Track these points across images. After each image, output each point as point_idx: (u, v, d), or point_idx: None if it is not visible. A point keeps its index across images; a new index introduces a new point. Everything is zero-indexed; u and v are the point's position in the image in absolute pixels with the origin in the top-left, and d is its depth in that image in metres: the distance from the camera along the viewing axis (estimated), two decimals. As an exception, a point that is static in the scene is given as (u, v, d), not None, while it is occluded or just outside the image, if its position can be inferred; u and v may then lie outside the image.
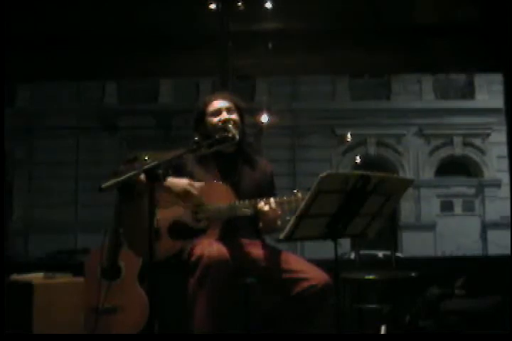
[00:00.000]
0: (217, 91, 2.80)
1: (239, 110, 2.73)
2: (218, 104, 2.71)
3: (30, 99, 16.17)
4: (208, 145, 2.56)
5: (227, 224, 2.58)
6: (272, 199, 2.49)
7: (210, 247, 2.39)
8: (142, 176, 2.49)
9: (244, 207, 2.53)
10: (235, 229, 2.62)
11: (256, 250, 2.60)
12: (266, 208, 2.48)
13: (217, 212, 2.55)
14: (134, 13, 5.17)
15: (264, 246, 2.67)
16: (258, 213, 2.51)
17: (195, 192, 2.54)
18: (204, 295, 2.35)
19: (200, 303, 2.36)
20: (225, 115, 2.67)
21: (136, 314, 3.50)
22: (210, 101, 2.73)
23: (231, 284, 2.43)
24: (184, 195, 2.54)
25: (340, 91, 16.81)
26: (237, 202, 2.55)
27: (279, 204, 2.48)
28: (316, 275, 2.47)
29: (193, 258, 2.38)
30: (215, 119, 2.67)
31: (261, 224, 2.62)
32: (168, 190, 2.53)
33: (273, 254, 2.58)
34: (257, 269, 2.55)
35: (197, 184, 2.56)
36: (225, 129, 2.64)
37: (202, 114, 2.71)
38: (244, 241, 2.64)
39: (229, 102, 2.72)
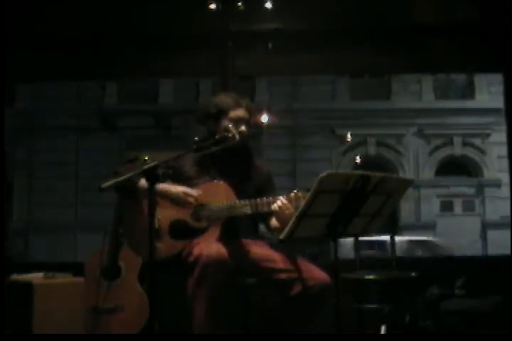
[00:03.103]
0: (240, 96, 2.81)
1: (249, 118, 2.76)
2: (243, 114, 2.72)
3: (30, 99, 16.15)
4: (208, 146, 2.56)
5: (228, 224, 2.58)
6: (280, 197, 2.47)
7: (208, 247, 2.39)
8: (142, 183, 2.52)
9: (244, 206, 2.52)
10: (235, 229, 2.62)
11: (256, 250, 2.60)
12: (279, 204, 2.44)
13: (219, 211, 2.55)
14: (134, 13, 5.17)
15: (264, 245, 2.67)
16: (275, 212, 2.47)
17: (190, 200, 2.55)
18: (203, 295, 2.35)
19: (199, 303, 2.36)
20: (241, 127, 2.68)
21: (136, 314, 3.50)
22: (237, 107, 2.72)
23: (230, 284, 2.44)
24: (179, 202, 2.55)
25: (340, 91, 16.79)
26: (237, 202, 2.55)
27: (288, 201, 2.45)
28: (316, 276, 2.47)
29: (192, 259, 2.38)
30: (231, 126, 2.67)
31: (277, 223, 2.59)
32: (163, 195, 2.54)
33: (273, 254, 2.58)
34: (257, 269, 2.55)
35: (193, 191, 2.57)
36: (226, 130, 2.65)
37: (222, 114, 2.71)
38: (244, 241, 2.64)
39: (248, 115, 2.74)
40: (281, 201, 2.44)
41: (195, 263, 2.36)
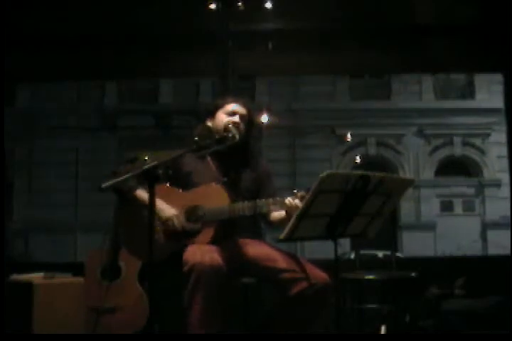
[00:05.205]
0: (231, 94, 2.89)
1: (250, 120, 2.82)
2: (237, 107, 2.79)
3: (30, 99, 16.15)
4: (207, 145, 2.56)
5: (224, 224, 2.57)
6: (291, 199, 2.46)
7: (202, 255, 2.38)
8: (140, 193, 2.55)
9: (244, 209, 2.52)
10: (232, 228, 2.62)
11: (254, 249, 2.59)
12: (292, 202, 2.45)
13: (216, 213, 2.55)
14: (134, 13, 5.17)
15: (264, 244, 2.67)
16: (289, 208, 2.46)
17: (177, 225, 2.57)
18: (199, 302, 2.35)
19: (195, 309, 2.36)
20: (236, 119, 2.75)
21: (136, 314, 3.50)
22: (231, 102, 2.82)
23: (229, 285, 2.43)
24: (166, 223, 2.57)
25: (340, 92, 16.79)
26: (237, 204, 2.54)
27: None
28: (315, 275, 2.47)
29: (186, 268, 2.37)
30: (227, 118, 2.74)
31: (277, 217, 2.62)
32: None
33: (272, 253, 2.57)
34: (256, 268, 2.54)
35: (183, 222, 2.58)
36: (225, 129, 2.66)
37: (217, 108, 2.79)
38: (242, 240, 2.63)
39: (246, 111, 2.80)
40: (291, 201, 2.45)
41: (190, 272, 2.36)
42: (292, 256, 2.58)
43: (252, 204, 2.50)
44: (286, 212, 2.49)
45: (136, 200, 2.59)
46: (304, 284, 2.44)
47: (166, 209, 2.59)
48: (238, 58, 5.25)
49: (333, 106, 16.42)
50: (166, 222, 2.58)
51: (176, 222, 2.58)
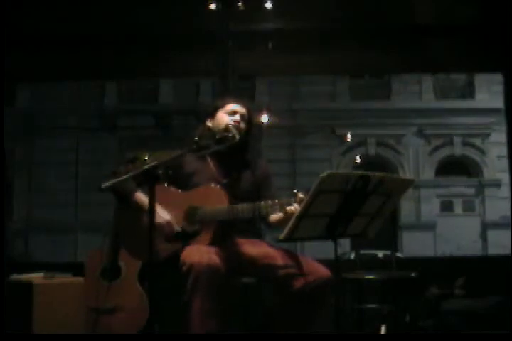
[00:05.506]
0: (230, 94, 2.89)
1: (250, 120, 2.82)
2: (237, 107, 2.80)
3: (30, 99, 16.16)
4: (207, 146, 2.57)
5: (223, 225, 2.57)
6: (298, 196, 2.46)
7: (200, 256, 2.38)
8: (139, 196, 2.57)
9: (245, 210, 2.51)
10: (230, 229, 2.62)
11: (252, 248, 2.59)
12: (293, 209, 2.45)
13: (216, 214, 2.55)
14: (134, 13, 5.17)
15: (261, 244, 2.67)
16: (287, 214, 2.47)
17: (169, 231, 2.55)
18: (198, 303, 2.35)
19: (194, 311, 2.36)
20: (237, 118, 2.75)
21: (136, 314, 3.50)
22: (231, 102, 2.83)
23: (229, 285, 2.43)
24: (158, 228, 2.55)
25: (340, 92, 16.80)
26: (237, 206, 2.54)
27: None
28: (316, 271, 2.47)
29: (185, 268, 2.38)
30: (228, 117, 2.75)
31: (277, 219, 2.62)
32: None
33: (271, 251, 2.58)
34: (255, 267, 2.55)
35: (175, 226, 2.58)
36: (226, 129, 2.67)
37: (217, 108, 2.80)
38: (240, 240, 2.64)
39: (246, 111, 2.81)
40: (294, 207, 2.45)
41: (188, 273, 2.36)
42: (291, 254, 2.58)
43: (252, 206, 2.50)
44: (286, 213, 2.49)
45: (136, 204, 2.58)
46: (304, 280, 2.44)
47: (159, 214, 2.55)
48: (238, 58, 5.25)
49: (333, 106, 16.44)
50: (158, 227, 2.55)
51: (166, 229, 2.55)
